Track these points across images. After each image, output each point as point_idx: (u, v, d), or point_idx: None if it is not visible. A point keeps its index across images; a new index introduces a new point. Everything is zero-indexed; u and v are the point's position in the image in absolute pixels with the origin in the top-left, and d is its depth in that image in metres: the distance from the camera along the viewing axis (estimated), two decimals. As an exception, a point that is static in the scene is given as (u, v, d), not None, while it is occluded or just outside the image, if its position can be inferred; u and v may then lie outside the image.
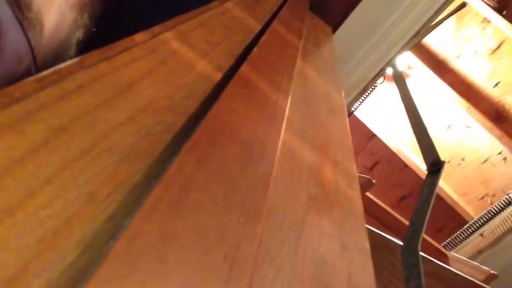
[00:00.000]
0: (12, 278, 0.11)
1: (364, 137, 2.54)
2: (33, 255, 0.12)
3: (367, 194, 1.49)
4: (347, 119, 0.46)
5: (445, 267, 0.99)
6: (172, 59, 0.29)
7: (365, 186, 1.27)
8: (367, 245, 0.28)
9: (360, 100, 1.68)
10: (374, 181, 1.25)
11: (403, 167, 2.54)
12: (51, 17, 0.34)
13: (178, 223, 0.15)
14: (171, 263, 0.14)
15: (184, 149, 0.19)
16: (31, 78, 0.19)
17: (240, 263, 0.16)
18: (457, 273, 0.97)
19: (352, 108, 1.71)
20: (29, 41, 0.31)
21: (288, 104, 0.33)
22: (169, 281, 0.13)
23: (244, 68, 0.32)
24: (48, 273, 0.12)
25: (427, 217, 0.73)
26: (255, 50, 0.37)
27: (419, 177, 2.44)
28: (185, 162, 0.18)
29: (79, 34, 0.41)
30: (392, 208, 2.07)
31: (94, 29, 0.42)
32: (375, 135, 2.54)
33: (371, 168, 2.59)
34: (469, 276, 0.97)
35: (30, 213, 0.13)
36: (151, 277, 0.13)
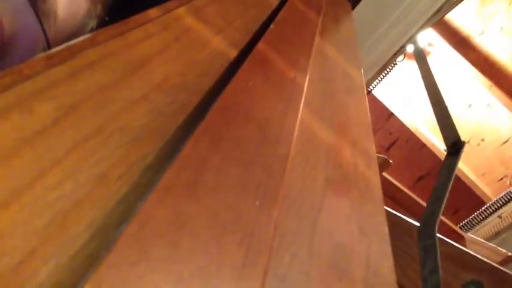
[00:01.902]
0: (20, 263, 0.11)
1: (382, 117, 2.50)
2: (41, 240, 0.12)
3: (384, 174, 1.47)
4: (366, 98, 0.45)
5: (461, 249, 0.98)
6: (186, 36, 0.28)
7: (381, 166, 1.26)
8: (386, 229, 0.27)
9: (379, 79, 1.64)
10: (391, 161, 1.23)
11: (421, 147, 2.50)
12: (65, 7, 0.34)
13: (192, 207, 0.14)
14: (184, 249, 0.13)
15: (198, 130, 0.18)
16: (41, 55, 0.19)
17: (256, 249, 0.15)
18: (473, 255, 0.95)
19: (370, 87, 1.68)
20: (44, 31, 0.31)
21: (306, 83, 0.32)
22: (182, 267, 0.13)
23: (260, 45, 0.31)
24: (57, 258, 0.12)
25: (445, 199, 0.71)
26: (272, 26, 0.36)
27: (438, 158, 2.40)
28: (199, 144, 0.17)
29: (92, 24, 0.40)
30: (409, 189, 2.05)
31: (107, 18, 0.42)
32: (392, 114, 2.50)
33: (388, 148, 2.55)
34: (486, 258, 0.96)
35: (39, 195, 0.13)
36: (164, 263, 0.12)
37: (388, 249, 0.25)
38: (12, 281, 0.11)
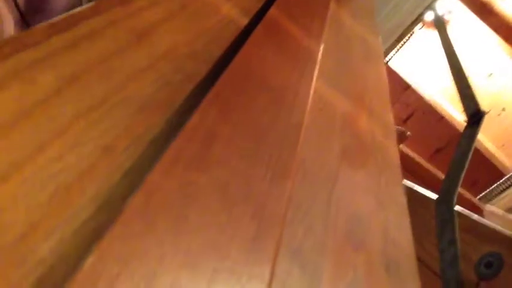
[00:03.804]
0: (21, 238, 0.11)
1: (399, 88, 2.44)
2: (43, 213, 0.11)
3: (401, 146, 1.45)
4: (384, 66, 0.43)
5: (480, 221, 0.96)
6: (194, 3, 0.26)
7: (399, 138, 1.23)
8: (404, 199, 0.26)
9: (396, 49, 1.59)
10: (409, 133, 1.21)
11: (439, 118, 2.45)
12: None
13: (201, 178, 0.14)
14: (193, 221, 0.13)
15: (207, 99, 0.17)
16: (43, 24, 0.18)
17: (268, 221, 0.15)
18: (492, 227, 0.94)
19: (387, 58, 1.63)
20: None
21: (321, 50, 0.31)
22: (191, 239, 0.12)
23: (272, 11, 0.29)
24: (60, 232, 0.11)
25: (464, 170, 0.70)
26: (284, -9, 0.34)
27: (456, 129, 2.35)
28: (208, 113, 0.16)
29: None
30: (427, 161, 2.02)
31: None
32: (409, 86, 2.44)
33: (405, 120, 2.51)
34: (506, 229, 0.94)
35: (40, 167, 0.12)
36: (171, 235, 0.12)
37: (407, 220, 0.24)
38: (14, 255, 0.10)
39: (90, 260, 0.10)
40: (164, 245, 0.11)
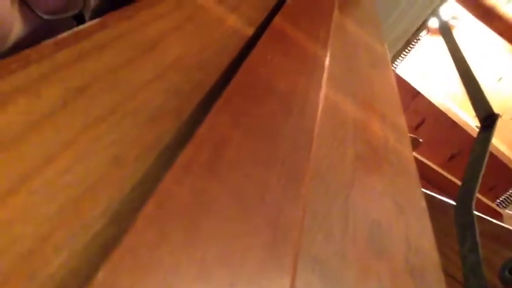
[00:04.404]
0: (31, 252, 0.10)
1: (408, 96, 2.42)
2: (53, 227, 0.11)
3: (414, 153, 1.43)
4: (392, 71, 0.43)
5: (500, 226, 0.94)
6: (200, 15, 0.26)
7: (411, 145, 1.22)
8: (424, 203, 0.25)
9: (402, 56, 1.58)
10: (421, 140, 1.19)
11: (450, 124, 2.42)
12: None
13: (213, 185, 0.13)
14: (206, 229, 0.12)
15: (217, 105, 0.17)
16: (49, 41, 0.18)
17: (285, 227, 0.14)
18: (512, 231, 0.91)
19: (394, 65, 1.63)
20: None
21: (328, 57, 0.30)
22: (205, 248, 0.12)
23: (277, 19, 0.29)
24: (71, 245, 0.11)
25: (481, 174, 0.68)
26: (288, 1, 0.34)
27: (469, 135, 2.31)
28: (218, 119, 0.16)
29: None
30: (441, 168, 1.99)
31: None
32: (419, 93, 2.42)
33: (416, 128, 2.48)
34: (527, 234, 0.91)
35: (49, 180, 0.12)
36: (185, 245, 0.11)
37: (428, 224, 0.23)
38: (23, 270, 0.10)
39: (101, 274, 0.09)
40: (178, 256, 0.11)
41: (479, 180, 0.66)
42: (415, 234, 0.22)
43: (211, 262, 0.11)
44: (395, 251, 0.20)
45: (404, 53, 1.57)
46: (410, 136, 1.23)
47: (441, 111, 2.40)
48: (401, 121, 0.34)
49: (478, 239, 0.61)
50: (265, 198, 0.15)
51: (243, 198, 0.14)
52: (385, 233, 0.20)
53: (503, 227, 0.93)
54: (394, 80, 0.41)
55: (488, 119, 0.81)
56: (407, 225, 0.22)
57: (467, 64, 0.93)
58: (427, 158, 1.80)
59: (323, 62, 0.29)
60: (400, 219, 0.22)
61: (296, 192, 0.16)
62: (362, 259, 0.18)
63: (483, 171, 0.69)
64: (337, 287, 0.16)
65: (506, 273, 0.78)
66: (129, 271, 0.10)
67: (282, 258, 0.13)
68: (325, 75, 0.27)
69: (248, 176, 0.15)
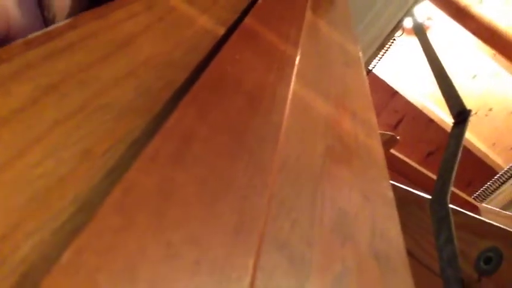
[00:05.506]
0: (2, 238, 0.11)
1: (386, 95, 2.47)
2: (23, 215, 0.11)
3: (392, 151, 1.46)
4: (364, 70, 0.44)
5: (476, 218, 0.96)
6: (171, 15, 0.27)
7: (389, 143, 1.24)
8: (391, 194, 0.26)
9: (379, 56, 1.61)
10: (398, 137, 1.22)
11: (428, 122, 2.47)
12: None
13: (179, 175, 0.14)
14: (172, 216, 0.13)
15: (185, 100, 0.17)
16: (19, 41, 0.18)
17: (250, 215, 0.15)
18: (489, 223, 0.94)
19: (371, 66, 1.66)
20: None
21: (298, 55, 0.31)
22: (171, 233, 0.12)
23: (248, 19, 0.30)
24: (41, 232, 0.11)
25: (455, 168, 0.70)
26: (259, 1, 0.35)
27: (446, 132, 2.37)
28: (185, 114, 0.17)
29: None
30: (420, 165, 2.03)
31: None
32: (397, 92, 2.47)
33: (395, 126, 2.53)
34: (502, 225, 0.94)
35: (19, 173, 0.12)
36: (151, 230, 0.12)
37: (394, 212, 0.24)
38: (-6, 255, 0.10)
39: (66, 254, 0.10)
40: (144, 239, 0.12)
41: (454, 174, 0.68)
42: (381, 222, 0.23)
43: (177, 244, 0.12)
44: (360, 237, 0.21)
45: (381, 53, 1.60)
46: (388, 134, 1.26)
47: (418, 109, 2.45)
48: (372, 117, 0.35)
49: (454, 231, 0.63)
50: (231, 186, 0.15)
51: (209, 187, 0.14)
52: (351, 220, 0.21)
53: (479, 219, 0.96)
54: (366, 80, 0.42)
55: (461, 114, 0.84)
56: (373, 214, 0.23)
57: (441, 63, 0.95)
58: (406, 156, 1.84)
59: (293, 60, 0.30)
60: (366, 207, 0.23)
61: (262, 181, 0.17)
62: (328, 244, 0.19)
63: (457, 164, 0.71)
64: (302, 269, 0.16)
65: (482, 263, 0.80)
66: (95, 252, 0.10)
67: (246, 242, 0.14)
68: (294, 73, 0.28)
69: (214, 167, 0.15)
